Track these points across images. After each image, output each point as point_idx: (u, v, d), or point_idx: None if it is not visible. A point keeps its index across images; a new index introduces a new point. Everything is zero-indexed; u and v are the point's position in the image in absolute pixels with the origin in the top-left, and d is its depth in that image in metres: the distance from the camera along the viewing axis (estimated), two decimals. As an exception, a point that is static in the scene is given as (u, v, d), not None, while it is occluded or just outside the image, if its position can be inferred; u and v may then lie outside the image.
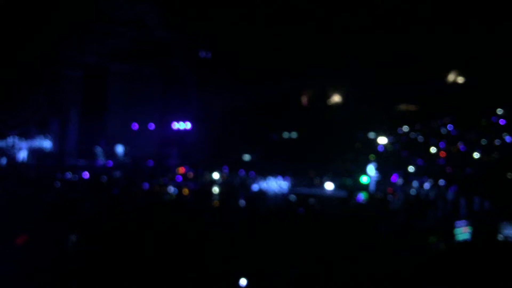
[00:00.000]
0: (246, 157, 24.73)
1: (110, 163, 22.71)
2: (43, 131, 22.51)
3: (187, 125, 25.63)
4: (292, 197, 14.77)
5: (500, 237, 9.95)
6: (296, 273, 7.30)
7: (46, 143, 22.38)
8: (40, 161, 20.67)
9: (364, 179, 17.17)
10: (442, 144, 24.50)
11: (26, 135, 21.84)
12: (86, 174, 17.78)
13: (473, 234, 10.25)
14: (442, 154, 23.88)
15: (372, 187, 16.94)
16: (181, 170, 20.49)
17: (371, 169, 17.23)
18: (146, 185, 15.95)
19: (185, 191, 15.47)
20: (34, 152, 21.53)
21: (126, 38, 24.44)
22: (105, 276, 7.10)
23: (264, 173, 18.81)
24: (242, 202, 13.61)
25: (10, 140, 21.35)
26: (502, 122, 24.28)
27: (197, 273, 7.24)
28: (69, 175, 17.55)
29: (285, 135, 26.97)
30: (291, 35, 22.96)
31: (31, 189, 13.94)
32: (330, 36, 22.69)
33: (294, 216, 12.04)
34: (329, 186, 17.61)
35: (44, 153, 21.86)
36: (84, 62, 23.88)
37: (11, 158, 20.71)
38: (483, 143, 23.93)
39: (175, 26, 24.45)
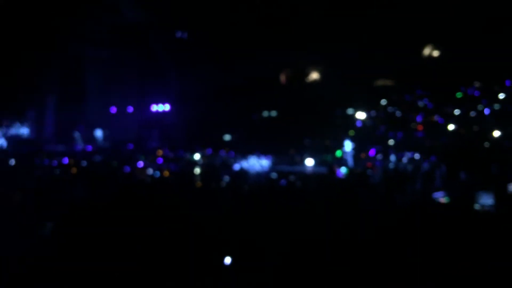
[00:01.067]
0: (227, 137, 24.75)
1: (90, 147, 22.55)
2: (19, 118, 22.21)
3: (166, 107, 25.51)
4: (274, 175, 14.89)
5: (477, 206, 10.18)
6: (280, 251, 7.40)
7: (24, 130, 22.10)
8: (18, 148, 20.42)
9: (342, 155, 17.41)
10: (419, 118, 24.78)
11: (2, 123, 21.54)
12: (65, 160, 17.65)
13: (451, 204, 10.49)
14: (420, 127, 24.18)
15: (351, 163, 17.15)
16: (162, 152, 20.46)
17: (347, 145, 17.45)
18: (127, 169, 15.91)
19: (166, 173, 15.50)
20: (12, 140, 21.25)
21: (101, 21, 24.09)
22: (87, 261, 7.09)
23: (245, 153, 18.88)
24: (226, 178, 13.75)
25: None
26: (476, 94, 24.64)
27: (182, 253, 7.30)
28: (48, 161, 17.40)
29: (265, 114, 27.00)
30: (269, 15, 22.86)
31: (11, 177, 13.82)
32: (306, 15, 22.64)
33: (276, 194, 12.16)
34: (309, 163, 17.76)
35: (22, 140, 21.59)
36: (60, 46, 23.54)
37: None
38: (460, 115, 24.26)
39: (150, 7, 24.12)
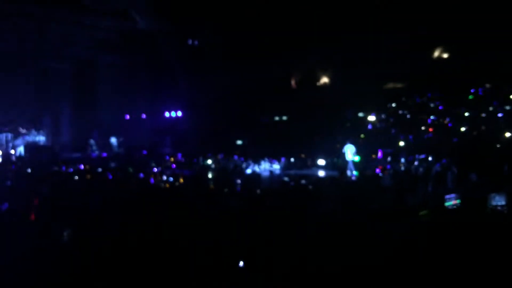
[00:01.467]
0: (239, 141, 24.90)
1: (105, 154, 22.81)
2: (36, 126, 22.54)
3: (179, 113, 25.77)
4: (286, 179, 14.97)
5: (489, 208, 10.18)
6: (293, 254, 7.46)
7: (40, 138, 22.42)
8: (35, 156, 20.72)
9: (355, 158, 17.42)
10: (430, 120, 24.78)
11: (19, 130, 21.88)
12: (81, 167, 17.89)
13: (463, 206, 10.50)
14: (430, 129, 24.17)
15: (361, 165, 17.17)
16: (175, 158, 20.64)
17: (351, 148, 17.42)
18: (141, 175, 16.09)
19: (180, 178, 15.64)
20: (29, 147, 21.56)
21: (114, 29, 24.47)
22: (103, 267, 7.18)
23: (257, 157, 18.99)
24: (238, 182, 13.87)
25: (3, 136, 21.40)
26: (487, 95, 24.60)
27: (196, 257, 7.38)
28: (64, 168, 17.65)
29: (276, 118, 27.15)
30: (278, 19, 23.02)
31: (28, 184, 14.03)
32: (315, 18, 22.78)
33: (288, 198, 12.23)
34: (320, 166, 17.85)
35: (39, 148, 21.88)
36: (74, 55, 23.92)
37: (6, 154, 20.79)
38: (471, 116, 24.21)
39: (161, 14, 24.41)
